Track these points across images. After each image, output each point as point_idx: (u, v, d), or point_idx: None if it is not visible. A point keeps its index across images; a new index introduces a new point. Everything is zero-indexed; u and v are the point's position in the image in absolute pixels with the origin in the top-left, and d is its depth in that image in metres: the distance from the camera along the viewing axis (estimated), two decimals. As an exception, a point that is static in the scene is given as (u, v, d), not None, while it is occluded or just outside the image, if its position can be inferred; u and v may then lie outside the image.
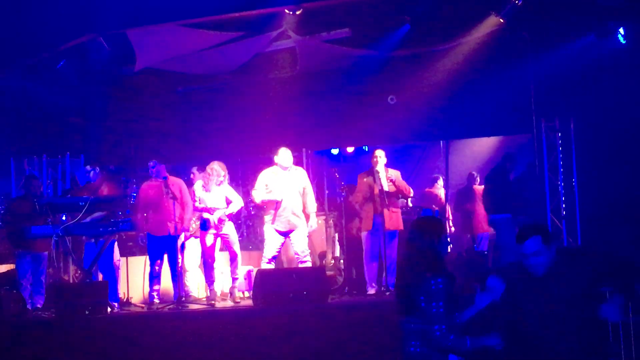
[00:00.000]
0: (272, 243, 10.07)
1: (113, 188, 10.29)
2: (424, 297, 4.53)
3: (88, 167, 10.52)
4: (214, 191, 10.30)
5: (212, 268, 10.33)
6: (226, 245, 10.43)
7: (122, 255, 10.60)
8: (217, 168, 10.32)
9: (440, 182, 13.99)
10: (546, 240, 4.66)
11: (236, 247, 10.42)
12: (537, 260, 4.66)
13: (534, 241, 4.66)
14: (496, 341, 4.58)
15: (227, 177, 10.50)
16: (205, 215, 10.21)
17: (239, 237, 12.47)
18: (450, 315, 4.55)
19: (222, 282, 10.70)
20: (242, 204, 10.83)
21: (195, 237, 10.42)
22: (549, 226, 9.80)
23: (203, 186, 10.33)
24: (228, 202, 10.38)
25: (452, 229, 13.16)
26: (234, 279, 10.41)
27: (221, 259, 10.65)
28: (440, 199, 13.63)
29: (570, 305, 4.58)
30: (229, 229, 10.37)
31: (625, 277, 4.65)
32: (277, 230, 10.04)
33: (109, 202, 9.91)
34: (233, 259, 10.40)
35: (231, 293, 10.39)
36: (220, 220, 10.20)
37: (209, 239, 10.29)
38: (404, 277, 4.78)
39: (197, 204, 10.25)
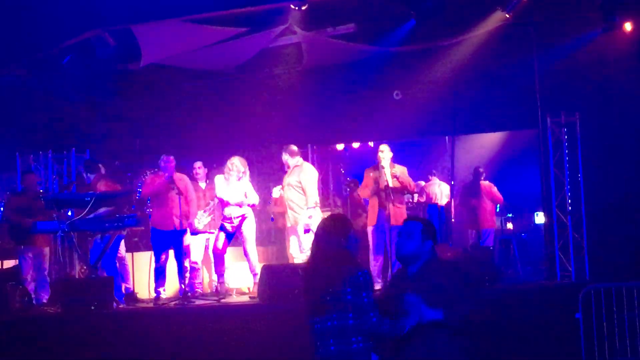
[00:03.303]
0: (291, 240, 10.25)
1: (110, 185, 10.28)
2: (352, 290, 4.47)
3: (86, 173, 10.49)
4: (233, 186, 10.28)
5: (222, 263, 10.32)
6: (242, 242, 10.39)
7: (127, 251, 10.61)
8: (237, 163, 10.31)
9: (435, 179, 14.04)
10: (425, 232, 4.77)
11: (249, 245, 10.36)
12: (406, 242, 4.76)
13: (414, 225, 4.81)
14: (437, 315, 4.53)
15: (247, 172, 10.48)
16: (227, 211, 10.23)
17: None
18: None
19: (226, 277, 10.67)
20: (258, 201, 10.83)
21: (210, 233, 10.42)
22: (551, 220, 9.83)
23: (225, 180, 10.33)
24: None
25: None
26: (255, 275, 10.24)
27: (228, 255, 10.63)
28: (434, 195, 13.72)
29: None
30: (247, 225, 10.33)
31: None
32: (290, 226, 10.23)
33: (114, 198, 9.91)
34: (246, 255, 10.36)
35: (254, 289, 10.22)
36: (244, 218, 10.26)
37: (223, 236, 10.30)
38: (319, 276, 4.61)
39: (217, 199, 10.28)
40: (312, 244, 4.85)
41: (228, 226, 10.25)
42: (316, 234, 4.85)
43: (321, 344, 4.59)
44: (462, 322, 4.59)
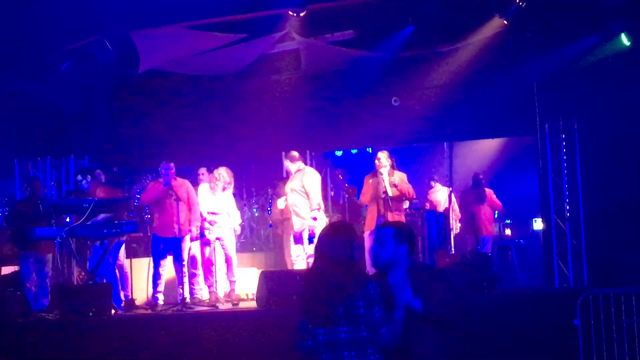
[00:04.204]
0: (292, 246, 10.29)
1: (108, 192, 10.27)
2: (363, 303, 4.32)
3: (79, 177, 10.46)
4: (218, 196, 10.37)
5: (210, 271, 10.35)
6: (222, 248, 10.47)
7: (126, 257, 10.60)
8: (224, 174, 10.43)
9: (438, 186, 13.99)
10: (397, 237, 4.64)
11: (231, 250, 10.47)
12: (380, 250, 4.66)
13: (386, 230, 4.71)
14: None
15: (232, 184, 10.56)
16: (208, 218, 10.27)
17: (242, 239, 12.51)
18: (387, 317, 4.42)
19: (224, 284, 10.69)
20: (240, 220, 10.98)
21: (196, 239, 10.45)
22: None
23: (211, 189, 10.40)
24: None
25: (457, 229, 13.15)
26: (232, 282, 10.45)
27: (221, 262, 10.64)
28: (438, 203, 13.68)
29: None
30: (224, 232, 10.43)
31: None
32: (293, 233, 10.24)
33: (112, 204, 9.90)
34: (228, 261, 10.45)
35: (230, 295, 10.38)
36: (212, 223, 10.30)
37: (208, 245, 10.35)
38: (327, 286, 4.40)
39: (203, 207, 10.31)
40: (316, 251, 4.67)
41: (209, 234, 10.35)
42: (319, 241, 4.65)
43: (332, 356, 4.38)
44: (449, 319, 4.55)
